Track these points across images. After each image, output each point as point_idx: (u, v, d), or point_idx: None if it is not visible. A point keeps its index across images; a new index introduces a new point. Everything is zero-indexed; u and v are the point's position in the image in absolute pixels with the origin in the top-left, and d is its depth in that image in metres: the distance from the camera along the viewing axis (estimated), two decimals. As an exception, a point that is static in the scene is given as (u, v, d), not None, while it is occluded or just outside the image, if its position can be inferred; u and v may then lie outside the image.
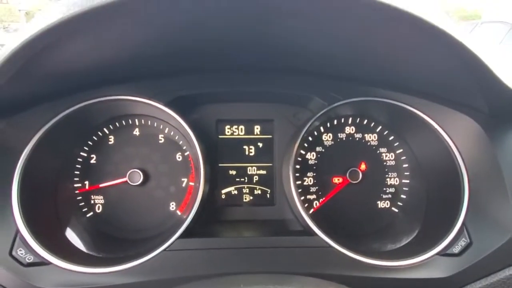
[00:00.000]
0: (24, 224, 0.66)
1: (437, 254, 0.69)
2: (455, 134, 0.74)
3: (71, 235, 0.77)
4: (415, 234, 0.80)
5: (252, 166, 0.93)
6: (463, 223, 0.70)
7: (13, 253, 0.63)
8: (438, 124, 0.75)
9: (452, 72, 0.63)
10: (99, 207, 0.87)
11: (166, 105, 0.78)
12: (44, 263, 0.64)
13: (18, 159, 0.69)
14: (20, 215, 0.66)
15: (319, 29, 0.60)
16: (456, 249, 0.68)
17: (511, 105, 0.65)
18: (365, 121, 0.91)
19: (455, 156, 0.74)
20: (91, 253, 0.75)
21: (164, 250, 0.69)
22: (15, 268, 0.61)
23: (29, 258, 0.63)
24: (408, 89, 0.77)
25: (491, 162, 0.68)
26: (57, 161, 0.81)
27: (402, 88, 0.78)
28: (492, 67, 0.56)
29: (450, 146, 0.74)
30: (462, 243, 0.68)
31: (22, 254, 0.63)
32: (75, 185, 0.86)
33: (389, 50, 0.64)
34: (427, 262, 0.68)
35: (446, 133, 0.75)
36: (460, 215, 0.71)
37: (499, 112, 0.69)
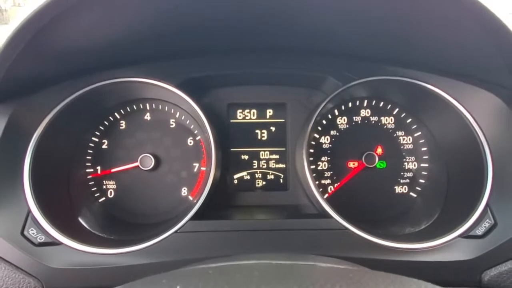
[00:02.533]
0: (35, 204, 0.65)
1: (460, 236, 0.66)
2: (477, 112, 0.71)
3: (83, 218, 0.77)
4: (435, 217, 0.77)
5: (264, 151, 0.91)
6: (487, 204, 0.67)
7: (25, 232, 0.63)
8: (459, 102, 0.72)
9: (477, 45, 0.60)
10: (111, 192, 0.87)
11: (177, 87, 0.77)
12: (55, 243, 0.63)
13: (30, 140, 0.69)
14: (32, 195, 0.66)
15: (341, 7, 0.57)
16: (480, 230, 0.65)
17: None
18: (381, 104, 0.88)
19: (478, 135, 0.70)
20: (103, 235, 0.74)
21: (176, 232, 0.68)
22: (27, 248, 0.61)
23: (41, 238, 0.63)
24: (426, 67, 0.74)
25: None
26: (69, 144, 0.81)
27: (420, 66, 0.75)
28: None
29: (472, 125, 0.71)
30: (486, 224, 0.65)
31: (33, 233, 0.63)
32: (87, 170, 0.85)
33: (413, 26, 0.61)
34: (449, 245, 0.65)
35: (468, 111, 0.71)
36: (483, 196, 0.67)
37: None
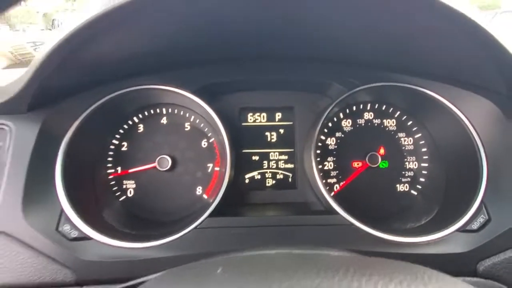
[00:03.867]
0: (68, 203, 0.71)
1: (457, 230, 0.71)
2: (473, 116, 0.76)
3: (107, 215, 0.83)
4: (434, 213, 0.83)
5: (274, 152, 0.96)
6: (482, 201, 0.72)
7: (59, 228, 0.69)
8: (456, 107, 0.78)
9: (472, 55, 0.65)
10: (130, 191, 0.92)
11: (193, 93, 0.83)
12: (86, 238, 0.69)
13: (60, 144, 0.75)
14: (64, 195, 0.72)
15: (346, 17, 0.63)
16: (475, 225, 0.70)
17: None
18: (384, 107, 0.94)
19: (473, 137, 0.76)
20: (126, 231, 0.80)
21: (195, 228, 0.74)
22: (62, 242, 0.67)
23: (74, 234, 0.69)
24: (426, 73, 0.80)
25: (509, 142, 0.70)
26: (93, 147, 0.87)
27: (420, 73, 0.81)
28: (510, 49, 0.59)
29: (468, 128, 0.76)
30: (480, 219, 0.71)
31: (67, 229, 0.69)
32: (109, 171, 0.91)
33: (411, 36, 0.67)
34: (446, 238, 0.71)
35: (465, 115, 0.77)
36: (479, 193, 0.73)
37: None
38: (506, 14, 7.55)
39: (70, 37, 0.55)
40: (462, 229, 0.71)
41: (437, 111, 0.82)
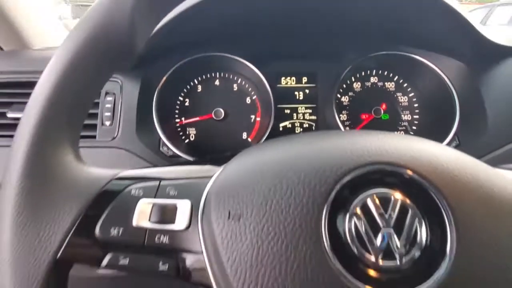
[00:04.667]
0: (162, 134, 1.01)
1: None
2: (449, 73, 1.05)
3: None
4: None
5: (301, 107, 1.25)
6: (455, 133, 1.02)
7: (160, 149, 0.99)
8: (437, 67, 1.07)
9: (443, 28, 0.95)
10: (192, 136, 1.22)
11: (245, 59, 1.12)
12: (178, 156, 0.99)
13: (154, 94, 1.04)
14: (160, 128, 1.01)
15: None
16: (449, 149, 1.01)
17: (489, 51, 0.97)
18: (386, 72, 1.23)
19: (450, 89, 1.05)
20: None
21: None
22: (164, 158, 0.97)
23: (170, 153, 0.98)
24: (414, 44, 1.09)
25: (473, 89, 0.99)
26: (169, 99, 1.16)
27: (410, 44, 1.10)
28: (476, 26, 0.88)
29: (446, 82, 1.05)
30: (453, 144, 1.00)
31: (165, 150, 0.98)
32: (176, 120, 1.20)
33: (406, 15, 0.96)
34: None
35: (443, 73, 1.06)
36: (453, 128, 1.03)
37: (481, 56, 1.00)
38: (502, 7, 7.78)
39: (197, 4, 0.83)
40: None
41: (424, 72, 1.11)
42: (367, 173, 0.42)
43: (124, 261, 0.43)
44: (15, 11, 1.06)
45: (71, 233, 0.43)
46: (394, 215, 0.40)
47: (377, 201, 0.41)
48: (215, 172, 0.48)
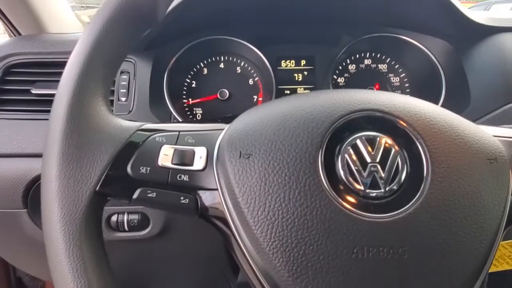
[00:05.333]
0: (173, 111, 1.10)
1: None
2: (436, 52, 1.13)
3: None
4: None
5: (300, 88, 1.33)
6: (441, 105, 1.11)
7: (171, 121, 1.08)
8: (425, 47, 1.16)
9: (433, 12, 1.04)
10: (199, 115, 1.30)
11: (249, 42, 1.21)
12: None
13: (164, 74, 1.13)
14: (171, 105, 1.11)
15: None
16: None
17: (471, 30, 1.06)
18: (378, 55, 1.32)
19: (437, 66, 1.14)
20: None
21: None
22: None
23: (179, 125, 1.07)
24: (404, 26, 1.18)
25: (457, 64, 1.09)
26: (177, 81, 1.25)
27: (401, 25, 1.19)
28: (459, 7, 0.97)
29: (433, 61, 1.14)
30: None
31: (175, 121, 1.07)
32: (184, 101, 1.29)
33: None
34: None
35: (431, 52, 1.15)
36: (439, 103, 1.12)
37: (465, 35, 1.09)
38: (498, 5, 7.89)
39: None
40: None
41: (413, 52, 1.19)
42: (356, 119, 0.51)
43: (151, 194, 0.52)
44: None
45: (107, 170, 0.52)
46: (380, 153, 0.49)
47: (365, 142, 0.50)
48: (227, 126, 0.55)
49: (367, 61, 1.32)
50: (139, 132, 0.56)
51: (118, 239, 1.00)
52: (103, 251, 0.52)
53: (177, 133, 0.55)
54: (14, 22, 1.17)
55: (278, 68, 1.34)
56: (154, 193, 0.51)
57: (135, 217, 0.99)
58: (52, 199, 0.50)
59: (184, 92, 1.29)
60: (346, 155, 0.50)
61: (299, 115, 0.50)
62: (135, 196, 0.51)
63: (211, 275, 1.23)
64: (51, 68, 1.05)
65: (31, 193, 0.95)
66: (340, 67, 1.31)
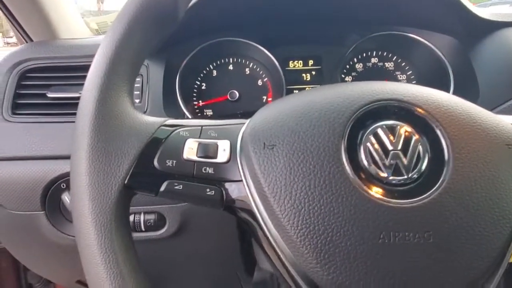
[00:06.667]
0: (185, 110, 1.12)
1: None
2: (443, 48, 1.15)
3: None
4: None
5: (309, 87, 1.36)
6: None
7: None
8: (432, 44, 1.17)
9: (439, 9, 1.06)
10: (210, 117, 1.32)
11: (257, 43, 1.23)
12: None
13: (176, 75, 1.15)
14: (183, 106, 1.12)
15: None
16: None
17: (478, 26, 1.08)
18: (385, 53, 1.33)
19: (445, 64, 1.14)
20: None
21: None
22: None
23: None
24: (411, 23, 1.20)
25: (464, 59, 1.10)
26: (188, 83, 1.27)
27: (407, 23, 1.21)
28: (465, 3, 0.99)
29: (440, 57, 1.16)
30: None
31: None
32: (194, 103, 1.31)
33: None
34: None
35: (438, 49, 1.17)
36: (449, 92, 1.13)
37: (471, 31, 1.10)
38: (494, 7, 7.94)
39: None
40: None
41: (420, 49, 1.21)
42: (376, 108, 0.53)
43: (178, 187, 0.53)
44: (46, 2, 1.17)
45: (134, 164, 0.53)
46: (401, 140, 0.51)
47: (387, 130, 0.51)
48: (247, 121, 0.56)
49: (374, 60, 1.34)
50: (163, 127, 0.57)
51: (135, 239, 1.01)
52: (132, 243, 0.53)
53: (199, 127, 0.55)
54: (27, 28, 1.20)
55: (286, 68, 1.36)
56: (181, 185, 0.52)
57: (151, 217, 1.00)
58: (83, 193, 0.51)
59: (194, 94, 1.31)
60: (368, 144, 0.51)
61: (320, 106, 0.51)
62: (162, 188, 0.52)
63: (226, 275, 1.24)
64: (66, 72, 1.07)
65: (49, 195, 0.96)
66: (348, 66, 1.33)
